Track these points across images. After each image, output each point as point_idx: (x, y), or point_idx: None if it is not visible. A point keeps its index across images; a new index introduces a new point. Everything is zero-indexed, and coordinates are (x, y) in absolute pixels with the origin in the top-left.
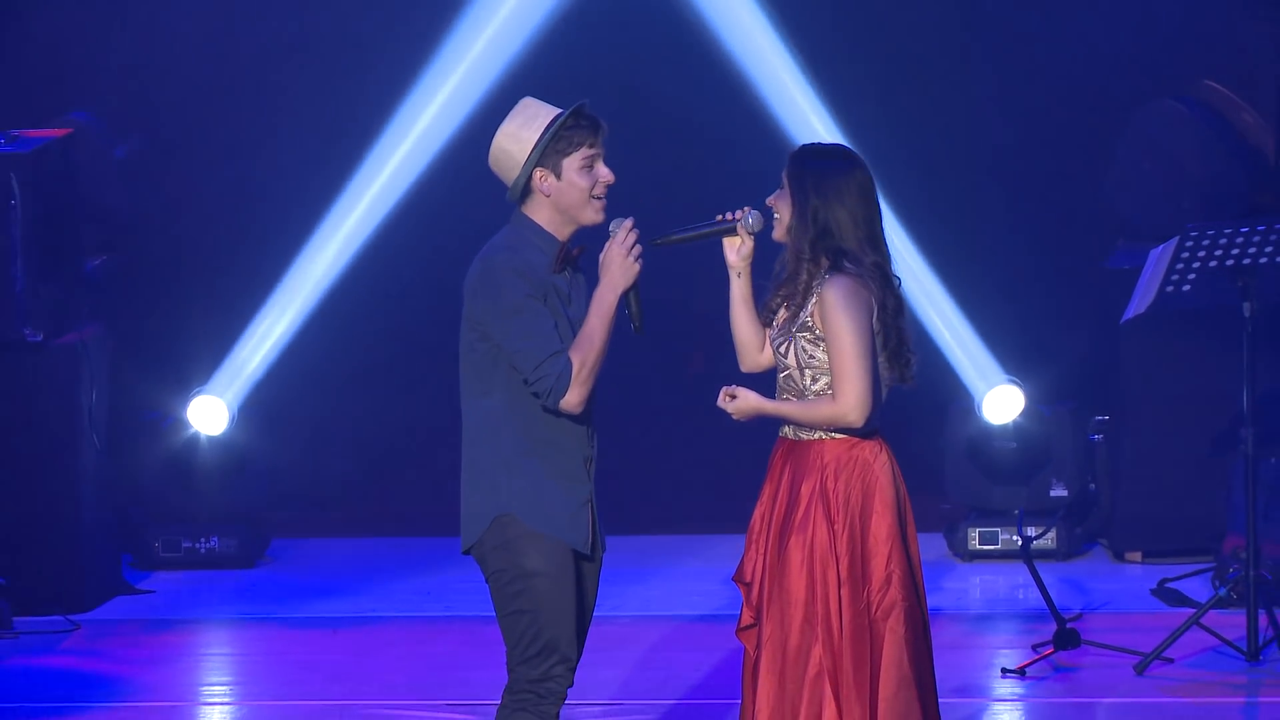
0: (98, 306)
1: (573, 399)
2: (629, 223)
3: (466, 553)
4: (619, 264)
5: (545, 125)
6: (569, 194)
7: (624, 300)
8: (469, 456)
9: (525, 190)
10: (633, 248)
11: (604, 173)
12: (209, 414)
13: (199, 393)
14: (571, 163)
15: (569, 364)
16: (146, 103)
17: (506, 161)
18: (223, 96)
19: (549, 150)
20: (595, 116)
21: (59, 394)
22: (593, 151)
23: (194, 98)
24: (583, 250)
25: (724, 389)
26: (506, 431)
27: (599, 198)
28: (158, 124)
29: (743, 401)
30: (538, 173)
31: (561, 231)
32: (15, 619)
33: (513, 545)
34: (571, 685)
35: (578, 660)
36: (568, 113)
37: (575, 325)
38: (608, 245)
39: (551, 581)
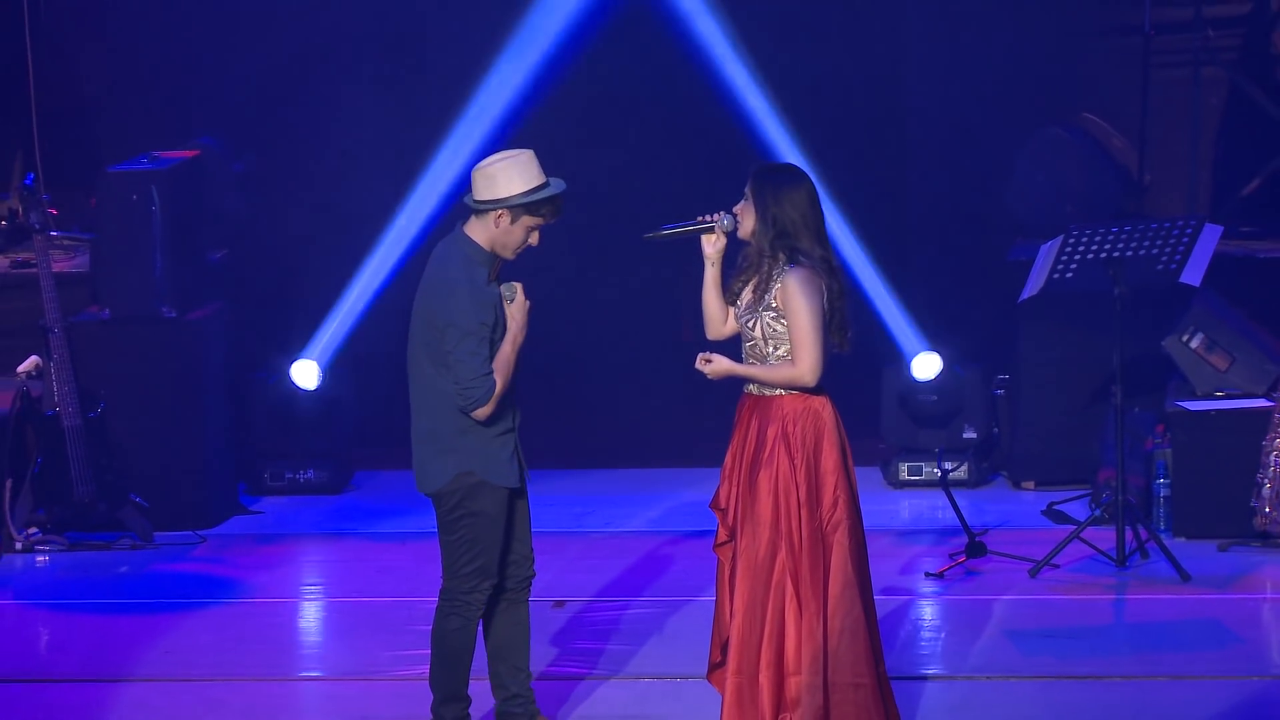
0: (219, 289)
1: (486, 411)
2: (519, 290)
3: (427, 495)
4: (518, 323)
5: (536, 187)
6: (509, 237)
7: None
8: (428, 425)
9: (482, 210)
10: (522, 316)
11: (534, 240)
12: (306, 372)
13: (298, 356)
14: (527, 220)
15: (494, 385)
16: (258, 128)
17: (492, 184)
18: (318, 121)
19: (524, 203)
20: (562, 207)
21: (189, 357)
22: (542, 224)
23: (295, 122)
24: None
25: (700, 354)
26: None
27: (518, 252)
28: (267, 145)
29: (717, 365)
30: (501, 212)
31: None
32: (155, 534)
33: (466, 491)
34: (529, 578)
35: (524, 568)
36: (556, 191)
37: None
38: (515, 304)
39: (490, 521)
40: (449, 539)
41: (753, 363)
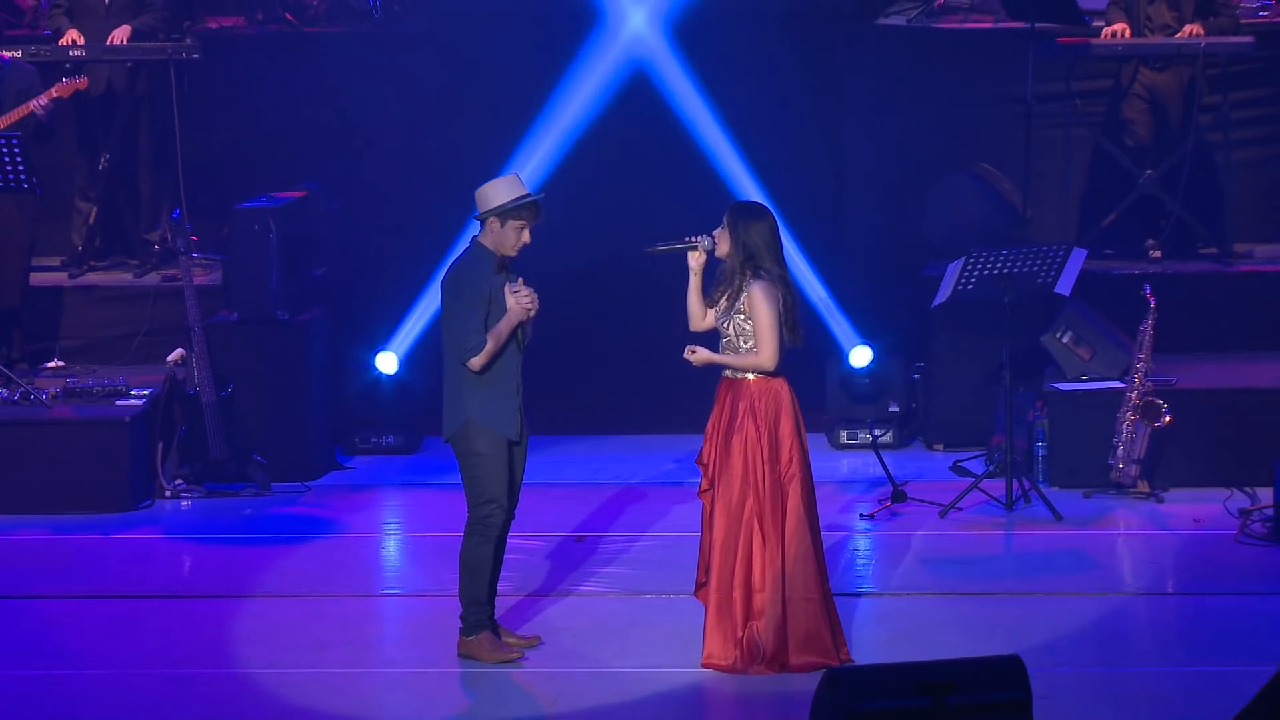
0: (321, 298)
1: (477, 363)
2: (520, 283)
3: (446, 440)
4: (517, 310)
5: (515, 199)
6: (503, 237)
7: (520, 327)
8: (448, 386)
9: (482, 220)
10: (529, 302)
11: (526, 238)
12: (387, 361)
13: (381, 349)
14: (513, 224)
15: (484, 342)
16: (351, 174)
17: (485, 199)
18: (396, 168)
19: (507, 211)
20: (540, 209)
21: (298, 350)
22: (525, 225)
23: (379, 170)
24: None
25: (687, 347)
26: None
27: (516, 248)
28: (357, 187)
29: (700, 354)
30: (493, 218)
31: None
32: (272, 484)
33: (472, 436)
34: (509, 520)
35: (509, 508)
36: (530, 199)
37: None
38: (516, 292)
39: (493, 459)
40: (464, 476)
41: (728, 353)
